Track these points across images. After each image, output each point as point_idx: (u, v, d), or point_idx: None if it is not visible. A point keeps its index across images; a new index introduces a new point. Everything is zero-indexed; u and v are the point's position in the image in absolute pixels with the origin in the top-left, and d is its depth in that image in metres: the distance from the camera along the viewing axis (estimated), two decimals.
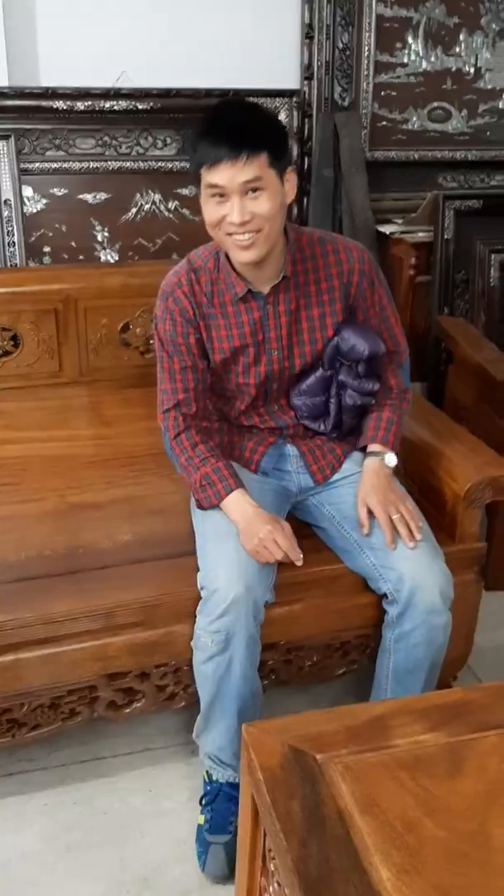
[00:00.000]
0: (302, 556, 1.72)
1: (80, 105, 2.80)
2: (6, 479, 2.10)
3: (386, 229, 3.06)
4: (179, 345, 1.81)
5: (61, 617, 1.70)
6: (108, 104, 2.83)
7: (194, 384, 1.83)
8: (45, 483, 2.07)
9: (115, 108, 2.85)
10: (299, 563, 1.72)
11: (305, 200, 3.09)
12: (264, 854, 1.03)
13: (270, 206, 1.61)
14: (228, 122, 1.60)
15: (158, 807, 1.90)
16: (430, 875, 0.89)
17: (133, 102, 2.85)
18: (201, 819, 1.80)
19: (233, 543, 1.70)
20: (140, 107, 2.86)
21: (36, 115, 2.79)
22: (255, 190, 1.59)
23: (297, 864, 0.88)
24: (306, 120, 3.05)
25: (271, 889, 1.01)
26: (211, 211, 1.64)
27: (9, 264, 2.74)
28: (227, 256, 1.75)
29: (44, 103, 2.77)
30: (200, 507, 1.80)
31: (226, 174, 1.57)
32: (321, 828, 0.93)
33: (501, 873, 0.91)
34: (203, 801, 1.82)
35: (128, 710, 1.87)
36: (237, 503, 1.74)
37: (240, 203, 1.59)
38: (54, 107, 2.78)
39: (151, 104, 2.86)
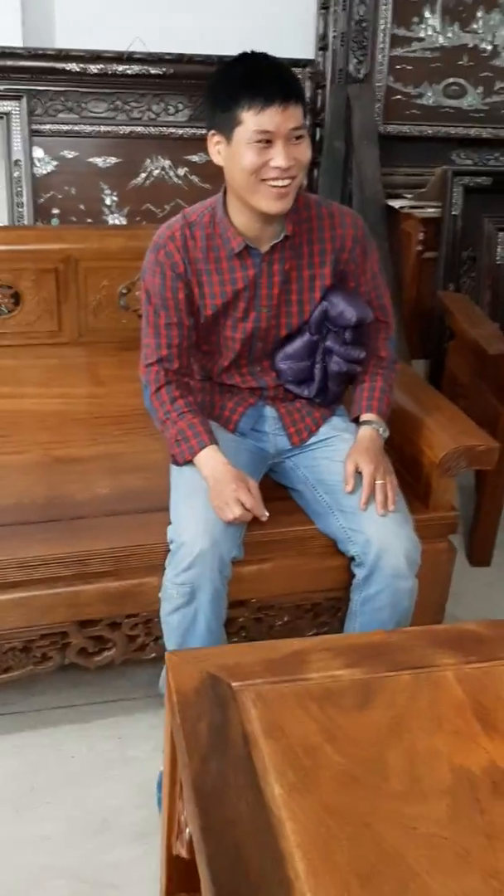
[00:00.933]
0: (267, 514, 1.74)
1: (92, 68, 2.83)
2: None
3: (395, 203, 3.06)
4: (167, 299, 1.82)
5: (34, 561, 1.75)
6: (120, 68, 2.86)
7: (178, 340, 1.85)
8: (33, 436, 2.12)
9: (128, 72, 2.87)
10: (263, 519, 1.74)
11: (315, 172, 3.09)
12: (181, 781, 1.07)
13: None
14: (269, 70, 1.62)
15: (125, 754, 1.95)
16: (321, 795, 0.92)
17: (146, 67, 2.88)
18: (163, 767, 1.84)
19: (202, 499, 1.73)
20: (153, 72, 2.89)
21: (49, 76, 2.82)
22: (298, 137, 1.62)
23: (194, 779, 0.92)
24: (319, 91, 3.05)
25: (185, 810, 1.05)
26: (252, 157, 1.62)
27: (16, 224, 2.78)
28: (225, 212, 1.76)
29: (57, 65, 2.80)
30: (175, 462, 1.83)
31: (276, 119, 1.58)
32: (224, 748, 0.97)
33: (389, 797, 0.94)
34: None
35: (98, 658, 1.91)
36: (209, 459, 1.77)
37: (285, 148, 1.61)
38: (67, 69, 2.81)
39: (164, 69, 2.88)
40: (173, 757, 1.08)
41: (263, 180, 1.64)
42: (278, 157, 1.61)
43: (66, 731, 2.00)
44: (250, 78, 1.61)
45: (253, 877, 0.85)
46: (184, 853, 1.08)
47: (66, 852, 1.71)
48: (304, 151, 1.64)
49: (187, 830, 1.04)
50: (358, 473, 1.79)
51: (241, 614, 1.92)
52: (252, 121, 1.59)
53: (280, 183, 1.64)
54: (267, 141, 1.60)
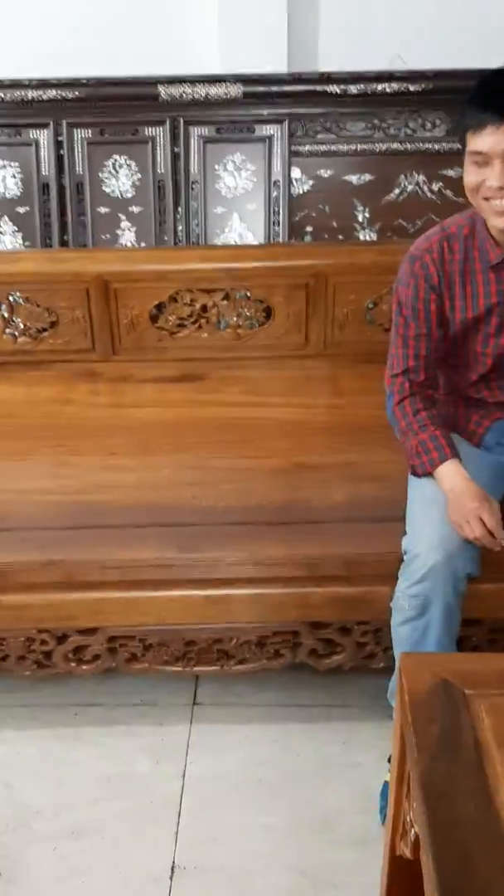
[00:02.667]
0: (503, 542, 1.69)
1: (353, 89, 2.90)
2: (241, 436, 2.27)
3: None
4: (419, 311, 1.83)
5: (270, 561, 1.83)
6: (380, 87, 2.91)
7: (426, 352, 1.85)
8: (275, 443, 2.22)
9: (387, 90, 2.91)
10: (496, 549, 1.69)
11: None
12: (409, 779, 1.07)
13: None
14: (495, 87, 1.61)
15: (349, 759, 1.98)
16: None
17: (405, 84, 2.90)
18: (388, 776, 1.84)
19: (439, 512, 1.72)
20: (412, 89, 2.90)
21: (311, 99, 2.93)
22: None
23: (423, 777, 0.94)
24: None
25: (411, 809, 1.06)
26: (471, 176, 1.64)
27: (271, 242, 2.91)
28: (484, 223, 1.76)
29: (318, 88, 2.90)
30: (415, 473, 1.83)
31: (489, 140, 1.58)
32: (455, 751, 0.98)
33: None
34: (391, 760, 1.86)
35: (328, 661, 1.96)
36: (450, 473, 1.75)
37: (501, 168, 1.59)
38: (328, 91, 2.90)
39: (423, 86, 2.89)
40: (402, 757, 1.10)
41: (486, 199, 1.63)
42: (492, 177, 1.59)
43: (292, 729, 2.06)
44: (476, 97, 1.60)
45: (480, 879, 0.85)
46: (408, 853, 1.09)
47: (288, 845, 1.77)
48: None
49: (412, 831, 1.05)
50: None
51: (475, 633, 1.88)
52: (471, 140, 1.60)
53: (497, 203, 1.62)
54: (484, 161, 1.59)
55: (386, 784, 1.84)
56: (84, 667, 2.00)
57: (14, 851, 1.76)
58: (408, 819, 1.08)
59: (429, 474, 1.79)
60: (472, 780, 0.95)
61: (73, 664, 2.00)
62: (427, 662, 1.12)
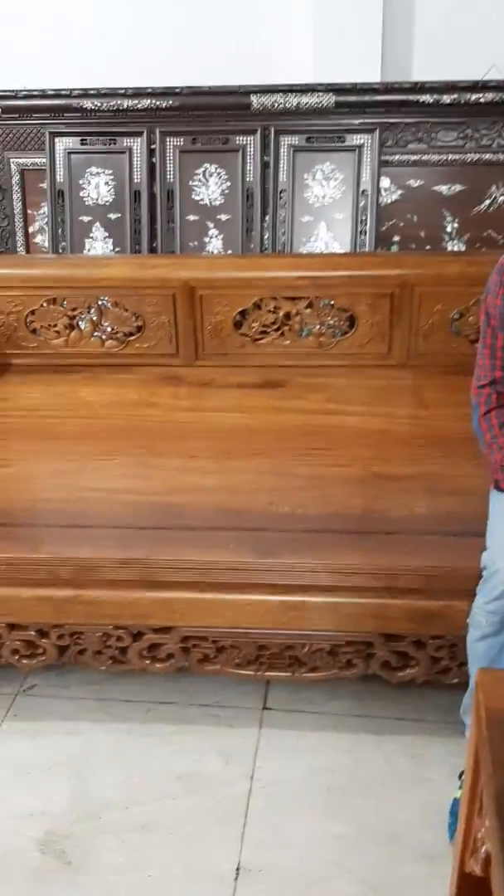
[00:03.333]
0: None
1: (446, 98, 2.88)
2: (322, 444, 2.27)
3: None
4: None
5: (347, 569, 1.83)
6: (474, 97, 2.88)
7: None
8: (355, 452, 2.22)
9: (481, 100, 2.88)
10: None
11: None
12: (482, 795, 1.06)
13: None
14: None
15: (419, 773, 1.95)
16: None
17: (499, 94, 2.86)
18: (458, 793, 1.82)
19: None
20: None
21: (402, 109, 2.92)
22: None
23: (497, 794, 0.92)
24: None
25: (482, 826, 1.04)
26: None
27: (358, 251, 2.91)
28: None
29: (411, 97, 2.89)
30: (498, 487, 1.80)
31: None
32: None
33: None
34: (462, 777, 1.84)
35: (401, 674, 1.95)
36: None
37: None
38: (420, 100, 2.88)
39: None
40: (475, 773, 1.08)
41: None
42: None
43: (362, 740, 2.05)
44: None
45: None
46: (477, 870, 1.07)
47: (355, 855, 1.77)
48: None
49: (483, 848, 1.04)
50: None
51: None
52: None
53: None
54: None
55: (455, 801, 1.81)
56: (158, 665, 2.04)
57: (83, 841, 1.81)
58: (479, 836, 1.07)
59: None
60: None
61: (147, 661, 2.03)
62: None
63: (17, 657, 2.06)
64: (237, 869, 1.74)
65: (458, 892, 1.17)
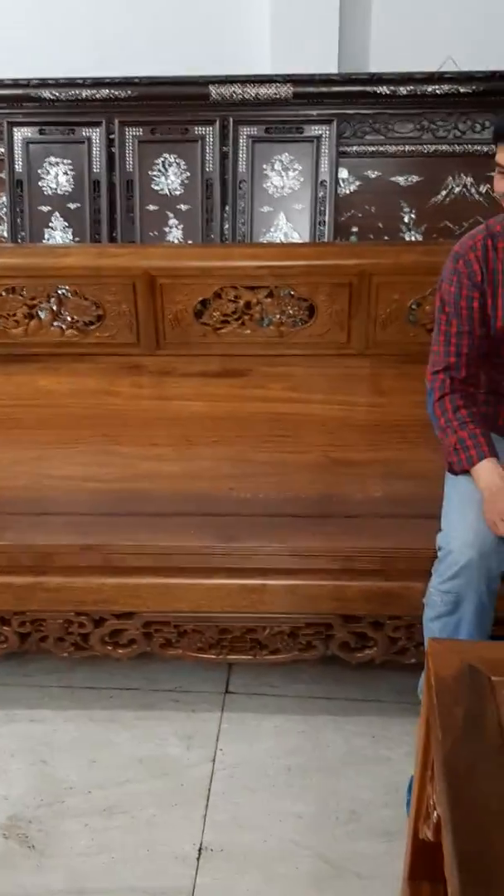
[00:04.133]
0: None
1: (402, 90, 2.92)
2: (281, 431, 2.30)
3: None
4: (461, 308, 1.85)
5: (306, 552, 1.86)
6: (430, 88, 2.92)
7: (468, 349, 1.86)
8: (315, 438, 2.24)
9: (438, 91, 2.93)
10: None
11: None
12: (433, 762, 1.10)
13: None
14: None
15: (378, 753, 1.99)
16: None
17: (456, 86, 2.92)
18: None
19: (475, 510, 1.73)
20: (462, 90, 2.91)
21: (360, 100, 2.96)
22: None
23: (447, 758, 0.96)
24: None
25: (434, 793, 1.08)
26: (496, 183, 1.72)
27: (316, 241, 2.94)
28: None
29: (368, 89, 2.93)
30: (451, 470, 1.84)
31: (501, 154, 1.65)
32: (479, 734, 1.00)
33: None
34: None
35: (360, 655, 1.98)
36: (487, 471, 1.76)
37: None
38: (378, 92, 2.92)
39: (474, 87, 2.90)
40: (426, 740, 1.12)
41: None
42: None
43: (323, 721, 2.08)
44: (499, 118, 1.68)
45: (499, 857, 0.87)
46: (430, 836, 1.11)
47: (315, 833, 1.79)
48: None
49: (435, 813, 1.07)
50: None
51: None
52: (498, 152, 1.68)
53: None
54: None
55: (412, 779, 1.85)
56: (120, 650, 2.05)
57: (47, 825, 1.81)
58: (431, 802, 1.10)
59: (466, 472, 1.80)
60: (494, 762, 0.96)
61: (109, 647, 2.04)
62: (455, 649, 1.15)
63: None
64: (199, 849, 1.76)
65: (413, 859, 1.20)
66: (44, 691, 2.19)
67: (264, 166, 2.96)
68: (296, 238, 2.95)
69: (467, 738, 0.99)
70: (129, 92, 2.96)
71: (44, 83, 2.96)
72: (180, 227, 3.01)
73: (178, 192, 3.00)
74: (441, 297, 1.89)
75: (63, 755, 2.00)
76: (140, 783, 1.92)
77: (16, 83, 2.97)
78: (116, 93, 2.96)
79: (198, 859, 1.74)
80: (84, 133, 3.02)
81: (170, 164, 3.00)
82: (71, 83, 2.96)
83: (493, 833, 0.91)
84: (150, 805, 1.86)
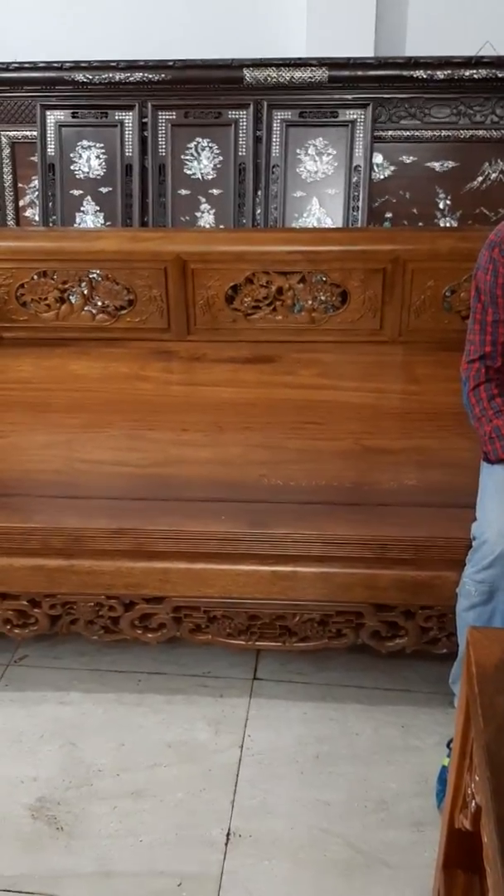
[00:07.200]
0: None
1: (439, 74, 2.87)
2: (313, 418, 2.28)
3: None
4: (498, 297, 1.82)
5: (338, 540, 1.85)
6: (467, 73, 2.87)
7: None
8: (346, 426, 2.22)
9: (475, 76, 2.87)
10: None
11: None
12: (472, 752, 1.08)
13: None
14: None
15: (408, 742, 1.98)
16: None
17: (493, 71, 2.86)
18: (446, 761, 1.84)
19: None
20: (500, 75, 2.86)
21: (396, 84, 2.91)
22: None
23: (489, 746, 0.94)
24: None
25: (472, 781, 1.06)
26: None
27: (350, 227, 2.91)
28: None
29: (405, 73, 2.88)
30: (487, 459, 1.82)
31: None
32: None
33: None
34: (450, 745, 1.86)
35: (390, 644, 1.97)
36: None
37: None
38: (414, 76, 2.88)
39: None
40: (465, 729, 1.10)
41: None
42: None
43: (352, 710, 2.07)
44: None
45: None
46: (467, 825, 1.09)
47: (344, 822, 1.79)
48: None
49: (473, 803, 1.06)
50: None
51: None
52: None
53: None
54: None
55: (443, 769, 1.84)
56: (149, 634, 2.05)
57: (76, 807, 1.82)
58: (469, 791, 1.09)
59: (501, 461, 1.78)
60: None
61: (139, 631, 2.04)
62: (496, 637, 1.13)
63: (8, 627, 2.07)
64: (227, 834, 1.76)
65: (448, 848, 1.19)
66: (73, 674, 2.19)
67: (298, 151, 2.93)
68: (329, 223, 2.93)
69: None
70: (163, 75, 2.94)
71: (77, 66, 2.95)
72: (212, 211, 2.99)
73: (210, 177, 2.98)
74: (476, 285, 1.86)
75: (92, 738, 2.00)
76: (168, 767, 1.92)
77: (49, 66, 2.96)
78: (150, 76, 2.94)
79: (226, 845, 1.74)
80: (117, 116, 3.00)
81: (203, 149, 2.98)
82: (104, 66, 2.95)
83: None
84: (179, 789, 1.86)
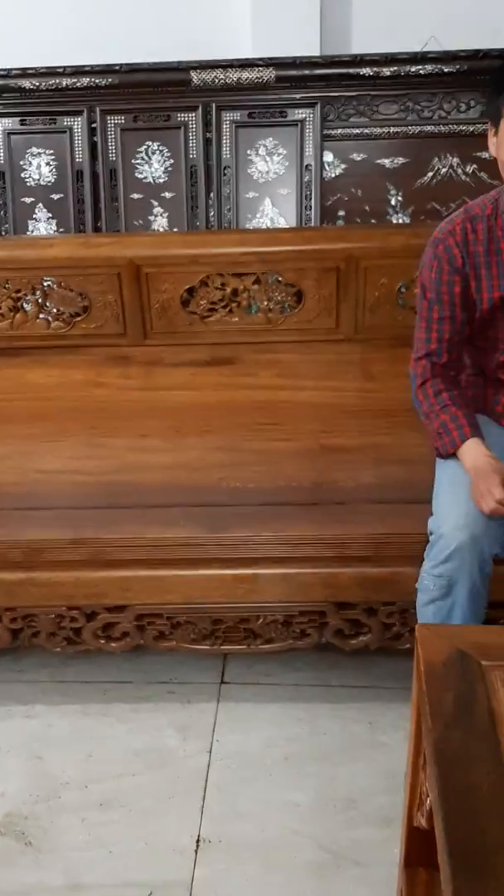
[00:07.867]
0: None
1: (386, 71, 2.89)
2: (271, 419, 2.28)
3: None
4: (442, 294, 1.83)
5: (298, 540, 1.85)
6: (413, 69, 2.89)
7: (449, 335, 1.85)
8: (305, 426, 2.23)
9: (421, 72, 2.90)
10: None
11: None
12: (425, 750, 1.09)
13: None
14: None
15: (375, 739, 1.98)
16: None
17: (439, 66, 2.88)
18: None
19: (464, 492, 1.72)
20: (446, 70, 2.88)
21: (343, 82, 2.92)
22: None
23: (437, 743, 0.95)
24: None
25: (426, 779, 1.07)
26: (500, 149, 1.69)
27: (303, 226, 2.92)
28: None
29: (351, 70, 2.89)
30: (439, 455, 1.83)
31: None
32: (469, 719, 0.99)
33: None
34: None
35: (354, 642, 1.97)
36: (471, 452, 1.74)
37: None
38: (361, 73, 2.89)
39: (458, 67, 2.87)
40: (418, 727, 1.11)
41: None
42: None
43: (320, 709, 2.07)
44: None
45: (490, 843, 0.86)
46: (424, 823, 1.10)
47: (313, 822, 1.78)
48: None
49: (428, 801, 1.06)
50: None
51: (502, 615, 1.87)
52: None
53: None
54: None
55: None
56: (113, 644, 2.04)
57: (44, 821, 1.80)
58: (424, 789, 1.09)
59: (452, 455, 1.79)
60: (485, 748, 0.96)
61: (102, 641, 2.03)
62: (444, 634, 1.14)
63: None
64: (197, 841, 1.75)
65: (408, 846, 1.19)
66: (37, 687, 2.17)
67: (248, 151, 2.93)
68: (282, 223, 2.93)
69: (457, 724, 0.98)
70: (110, 79, 2.92)
71: (24, 73, 2.93)
72: (165, 215, 2.98)
73: (162, 180, 2.97)
74: (422, 283, 1.87)
75: (58, 750, 1.98)
76: (136, 776, 1.91)
77: None
78: (97, 81, 2.92)
79: (196, 851, 1.73)
80: (66, 122, 2.99)
81: (153, 152, 2.97)
82: (51, 72, 2.93)
83: (485, 819, 0.90)
84: (147, 798, 1.85)
